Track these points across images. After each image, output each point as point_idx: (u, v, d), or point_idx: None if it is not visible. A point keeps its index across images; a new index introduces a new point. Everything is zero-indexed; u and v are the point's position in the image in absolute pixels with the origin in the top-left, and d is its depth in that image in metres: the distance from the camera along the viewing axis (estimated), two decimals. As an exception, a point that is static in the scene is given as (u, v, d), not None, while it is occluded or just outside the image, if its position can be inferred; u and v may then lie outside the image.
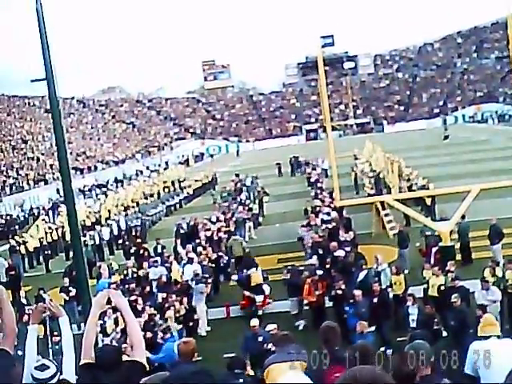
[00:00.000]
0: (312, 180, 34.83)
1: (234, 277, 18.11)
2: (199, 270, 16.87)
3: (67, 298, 16.97)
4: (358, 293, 13.03)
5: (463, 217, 18.18)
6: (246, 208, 27.01)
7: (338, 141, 48.55)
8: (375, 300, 12.96)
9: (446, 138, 58.79)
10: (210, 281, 16.91)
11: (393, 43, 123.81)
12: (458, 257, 17.28)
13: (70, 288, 16.83)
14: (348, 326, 12.28)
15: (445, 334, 11.71)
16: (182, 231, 24.07)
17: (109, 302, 3.99)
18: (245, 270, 17.12)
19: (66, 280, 17.33)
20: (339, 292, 13.71)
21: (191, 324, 14.99)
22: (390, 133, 79.76)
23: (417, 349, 4.70)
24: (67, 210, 11.94)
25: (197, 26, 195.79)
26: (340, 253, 16.33)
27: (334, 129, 49.49)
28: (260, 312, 15.69)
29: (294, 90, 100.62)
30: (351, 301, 13.03)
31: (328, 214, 21.71)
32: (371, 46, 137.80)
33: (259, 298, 16.01)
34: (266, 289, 16.29)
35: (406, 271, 16.31)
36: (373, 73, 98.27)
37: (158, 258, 18.95)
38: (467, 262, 17.23)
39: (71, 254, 20.77)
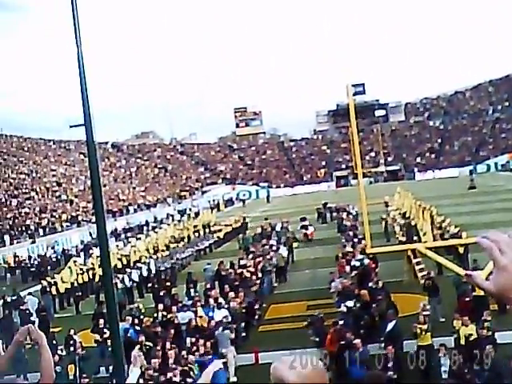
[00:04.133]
0: (344, 226, 34.68)
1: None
2: (228, 314, 16.83)
3: (101, 340, 16.93)
4: (357, 341, 12.91)
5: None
6: (273, 253, 26.99)
7: (368, 188, 48.47)
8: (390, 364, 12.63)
9: (472, 188, 57.46)
10: (234, 326, 16.73)
11: (424, 91, 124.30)
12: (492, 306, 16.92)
13: (105, 330, 16.66)
14: (350, 373, 12.25)
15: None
16: (211, 275, 24.16)
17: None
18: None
19: (102, 321, 17.26)
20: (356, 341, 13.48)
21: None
22: (421, 180, 79.33)
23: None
24: (100, 253, 12.06)
25: (230, 74, 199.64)
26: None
27: (364, 176, 49.41)
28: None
29: (325, 137, 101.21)
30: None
31: (359, 260, 21.55)
32: (402, 94, 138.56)
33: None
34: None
35: (442, 319, 16.14)
36: (404, 120, 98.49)
37: (189, 302, 18.99)
38: (503, 312, 16.85)
39: (101, 295, 20.96)
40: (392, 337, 13.75)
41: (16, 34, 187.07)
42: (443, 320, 16.52)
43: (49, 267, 36.43)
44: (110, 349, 14.19)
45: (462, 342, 13.15)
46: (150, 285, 26.27)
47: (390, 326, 14.37)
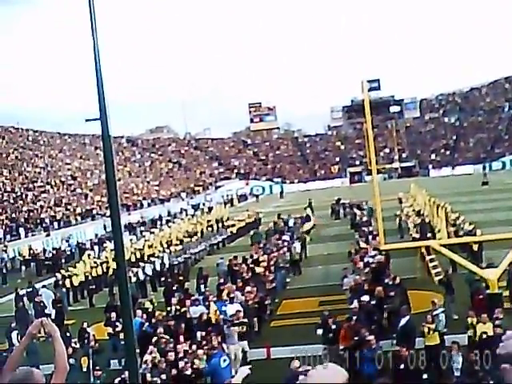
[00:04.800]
0: (357, 222, 34.60)
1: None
2: (241, 309, 16.86)
3: (113, 333, 17.04)
4: (371, 337, 12.87)
5: (513, 264, 17.74)
6: (286, 249, 27.03)
7: (382, 184, 48.27)
8: (402, 366, 12.47)
9: (485, 184, 58.34)
10: (245, 320, 16.71)
11: (439, 88, 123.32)
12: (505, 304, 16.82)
13: (117, 323, 16.72)
14: (362, 370, 12.21)
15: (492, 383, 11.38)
16: (224, 270, 24.24)
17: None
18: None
19: (114, 314, 17.39)
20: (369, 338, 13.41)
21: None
22: (435, 177, 78.89)
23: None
24: (114, 246, 12.07)
25: (244, 70, 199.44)
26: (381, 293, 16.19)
27: (378, 172, 49.20)
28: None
29: (339, 132, 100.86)
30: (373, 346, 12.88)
31: (373, 256, 21.49)
32: (417, 90, 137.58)
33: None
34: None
35: (455, 316, 16.08)
36: (419, 117, 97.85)
37: (200, 297, 19.04)
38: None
39: (115, 289, 21.07)
40: (405, 332, 13.69)
41: (25, 26, 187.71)
42: (456, 317, 16.46)
43: (63, 260, 36.73)
44: (122, 342, 14.28)
45: (477, 339, 13.09)
46: (163, 279, 26.38)
47: (403, 321, 14.33)
